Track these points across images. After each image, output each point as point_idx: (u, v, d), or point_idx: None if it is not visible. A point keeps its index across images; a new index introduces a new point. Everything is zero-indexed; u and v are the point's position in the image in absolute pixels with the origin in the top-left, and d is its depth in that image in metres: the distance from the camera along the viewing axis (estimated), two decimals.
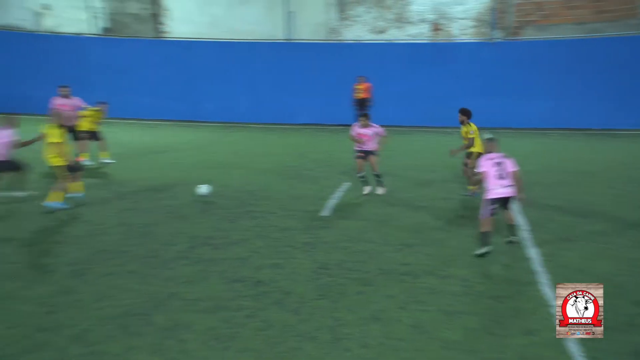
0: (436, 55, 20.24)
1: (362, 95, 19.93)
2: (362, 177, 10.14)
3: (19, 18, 21.80)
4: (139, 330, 4.96)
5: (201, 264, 6.65)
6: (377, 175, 10.12)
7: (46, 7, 21.63)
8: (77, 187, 9.25)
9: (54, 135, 8.64)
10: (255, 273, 6.37)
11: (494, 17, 20.21)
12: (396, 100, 19.87)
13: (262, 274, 6.35)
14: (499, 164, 7.23)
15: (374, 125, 10.12)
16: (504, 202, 7.20)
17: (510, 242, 7.37)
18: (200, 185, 9.63)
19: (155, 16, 21.98)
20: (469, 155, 9.67)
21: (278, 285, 6.03)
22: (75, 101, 12.49)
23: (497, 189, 7.11)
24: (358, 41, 21.17)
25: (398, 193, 10.20)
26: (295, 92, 20.95)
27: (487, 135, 7.79)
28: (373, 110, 20.40)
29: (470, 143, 9.59)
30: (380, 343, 4.88)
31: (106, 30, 22.10)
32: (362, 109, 20.22)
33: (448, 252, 7.19)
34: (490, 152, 7.45)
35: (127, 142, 15.04)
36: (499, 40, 20.19)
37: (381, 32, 21.31)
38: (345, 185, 10.52)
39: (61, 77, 20.71)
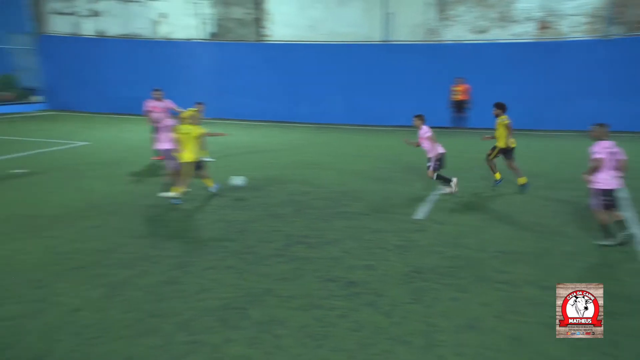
0: (543, 55, 19.25)
1: (459, 97, 19.38)
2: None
3: (140, 27, 23.62)
4: (237, 324, 5.17)
5: (296, 262, 6.80)
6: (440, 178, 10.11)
7: (163, 15, 23.23)
8: (209, 182, 10.06)
9: (193, 133, 9.32)
10: (347, 273, 6.41)
11: (612, 12, 18.80)
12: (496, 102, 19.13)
13: (355, 274, 6.38)
14: (612, 153, 6.77)
15: (423, 128, 10.06)
16: (613, 194, 6.74)
17: (620, 242, 6.87)
18: (235, 177, 10.14)
19: (258, 20, 22.79)
20: (493, 148, 10.44)
21: (370, 287, 6.03)
22: (167, 103, 13.29)
23: (609, 179, 6.66)
24: (457, 42, 20.61)
25: (496, 198, 9.82)
26: (391, 93, 20.83)
27: (597, 123, 7.23)
28: (471, 112, 19.74)
29: (510, 131, 10.22)
30: (476, 353, 4.73)
31: (212, 35, 23.28)
32: (460, 111, 19.68)
33: (551, 261, 6.81)
34: (601, 139, 6.97)
35: (227, 141, 15.72)
36: (617, 36, 18.74)
37: (482, 31, 20.60)
38: (442, 189, 10.29)
39: (172, 79, 22.28)
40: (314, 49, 21.37)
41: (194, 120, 9.60)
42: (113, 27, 24.06)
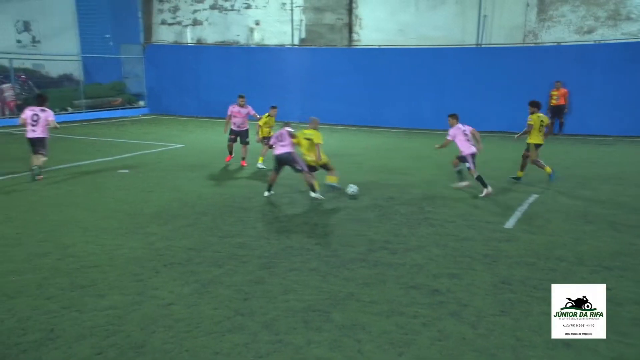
0: None
1: (558, 101, 18.40)
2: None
3: (236, 34, 24.69)
4: (319, 326, 5.22)
5: (378, 267, 6.76)
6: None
7: (257, 22, 24.12)
8: (333, 179, 10.55)
9: (317, 137, 10.12)
10: (431, 281, 6.28)
11: None
12: (599, 107, 17.96)
13: (439, 282, 6.23)
14: None
15: (454, 127, 10.64)
16: None
17: None
18: (351, 185, 10.22)
19: (348, 26, 22.98)
20: (528, 146, 11.18)
21: (455, 296, 5.86)
22: (249, 110, 13.71)
23: None
24: (559, 43, 19.52)
25: (595, 208, 9.19)
26: (483, 98, 20.18)
27: None
28: (571, 117, 18.67)
29: (528, 129, 11.08)
30: None
31: (303, 40, 23.77)
32: (558, 116, 18.64)
33: None
34: None
35: None
36: None
37: (588, 32, 19.34)
38: (533, 197, 9.81)
39: (263, 84, 23.05)
40: (403, 53, 21.20)
41: (315, 125, 10.34)
42: (212, 35, 25.28)
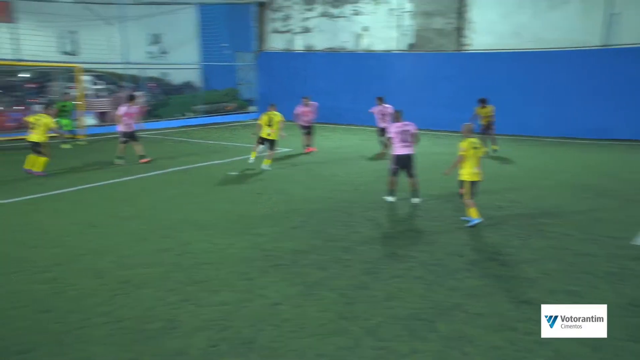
0: None
1: None
2: None
3: (344, 40, 25.06)
4: (424, 335, 5.13)
5: (486, 278, 6.50)
6: None
7: (365, 29, 24.31)
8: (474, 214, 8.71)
9: (467, 148, 8.56)
10: (546, 297, 5.91)
11: None
12: None
13: (555, 299, 5.85)
14: None
15: None
16: None
17: None
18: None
19: (459, 30, 22.37)
20: None
21: None
22: (313, 107, 16.37)
23: None
24: None
25: None
26: (608, 103, 18.65)
27: None
28: None
29: None
30: None
31: (411, 46, 23.54)
32: None
33: None
34: None
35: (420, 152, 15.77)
36: None
37: None
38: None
39: (370, 89, 23.13)
40: (514, 56, 20.20)
41: (469, 134, 8.77)
42: (320, 41, 25.82)
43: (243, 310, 5.64)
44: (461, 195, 8.83)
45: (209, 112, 24.88)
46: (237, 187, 11.52)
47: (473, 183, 8.64)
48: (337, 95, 24.34)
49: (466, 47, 22.32)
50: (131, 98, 14.40)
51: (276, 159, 15.19)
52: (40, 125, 11.89)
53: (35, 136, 11.93)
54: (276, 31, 27.11)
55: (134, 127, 14.13)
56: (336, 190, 11.28)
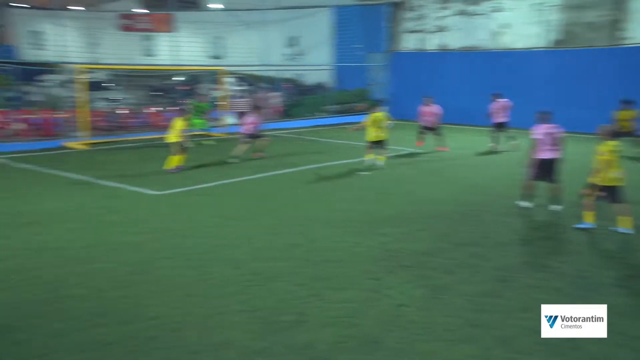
0: None
1: None
2: None
3: (480, 38, 24.19)
4: (564, 352, 4.78)
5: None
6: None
7: (504, 26, 23.23)
8: (625, 223, 8.10)
9: (606, 150, 8.05)
10: None
11: None
12: None
13: None
14: None
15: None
16: None
17: None
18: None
19: (615, 22, 20.41)
20: None
21: None
22: (434, 108, 16.60)
23: None
24: None
25: None
26: None
27: None
28: None
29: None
30: None
31: (556, 42, 22.02)
32: None
33: None
34: None
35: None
36: None
37: None
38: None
39: (507, 89, 22.01)
40: None
41: (609, 137, 8.13)
42: (455, 40, 25.13)
43: (369, 309, 5.70)
44: (584, 196, 8.33)
45: (339, 112, 25.40)
46: (364, 186, 11.63)
47: (608, 188, 8.02)
48: (470, 95, 23.54)
49: (624, 41, 20.28)
50: (256, 107, 16.01)
51: (405, 160, 15.09)
52: (175, 127, 12.93)
53: (170, 137, 13.01)
54: (409, 31, 26.87)
55: (258, 129, 15.16)
56: (465, 193, 10.93)
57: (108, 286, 6.18)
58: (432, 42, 25.95)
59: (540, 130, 9.43)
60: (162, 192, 10.77)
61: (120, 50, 35.23)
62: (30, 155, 14.83)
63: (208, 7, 34.58)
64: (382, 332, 5.21)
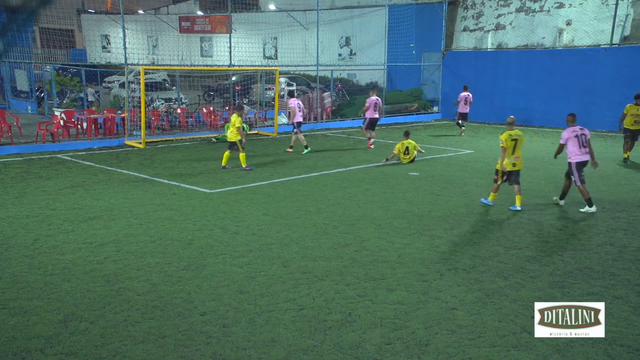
0: None
1: None
2: None
3: (542, 36, 23.41)
4: None
5: None
6: None
7: (568, 22, 22.38)
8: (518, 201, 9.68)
9: (504, 139, 9.45)
10: None
11: None
12: None
13: None
14: None
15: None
16: None
17: None
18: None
19: None
20: None
21: None
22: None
23: None
24: None
25: None
26: None
27: None
28: None
29: None
30: None
31: (626, 38, 21.01)
32: None
33: None
34: None
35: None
36: None
37: None
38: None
39: (569, 89, 21.25)
40: None
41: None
42: (514, 39, 24.41)
43: (418, 311, 5.62)
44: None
45: (391, 113, 25.18)
46: (416, 187, 11.48)
47: (509, 171, 9.53)
48: (529, 95, 22.83)
49: None
50: (290, 94, 16.79)
51: (459, 160, 14.79)
52: (232, 125, 13.14)
53: (230, 137, 13.21)
54: (466, 30, 26.31)
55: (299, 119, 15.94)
56: (522, 196, 10.57)
57: (162, 281, 6.38)
58: (490, 41, 25.33)
59: (568, 134, 9.64)
60: (215, 190, 11.02)
61: (179, 52, 36.40)
62: (92, 153, 15.52)
63: (264, 8, 35.20)
64: (431, 335, 5.13)
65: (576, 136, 9.54)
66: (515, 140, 9.44)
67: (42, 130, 16.19)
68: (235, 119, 13.11)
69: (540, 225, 8.69)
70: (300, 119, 16.12)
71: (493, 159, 14.89)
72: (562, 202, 9.95)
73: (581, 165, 9.51)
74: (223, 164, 13.36)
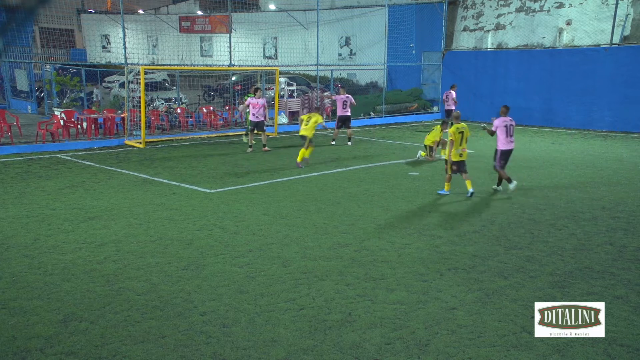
0: None
1: None
2: None
3: (541, 36, 23.39)
4: None
5: None
6: None
7: (568, 22, 22.37)
8: (469, 185, 10.58)
9: (452, 132, 10.29)
10: None
11: None
12: None
13: None
14: None
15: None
16: None
17: None
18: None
19: None
20: None
21: None
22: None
23: None
24: None
25: None
26: None
27: None
28: None
29: None
30: None
31: (626, 38, 21.01)
32: None
33: None
34: None
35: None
36: None
37: None
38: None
39: (569, 89, 21.23)
40: None
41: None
42: (514, 39, 24.39)
43: (418, 311, 5.62)
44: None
45: (391, 112, 25.18)
46: (416, 187, 11.48)
47: (457, 162, 10.46)
48: (528, 95, 22.82)
49: None
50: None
51: None
52: (311, 122, 13.66)
53: (304, 131, 13.63)
54: (466, 29, 26.30)
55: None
56: (522, 196, 10.59)
57: (162, 280, 6.38)
58: (490, 41, 25.31)
59: (499, 123, 10.73)
60: (215, 190, 11.01)
61: (179, 51, 36.40)
62: (92, 153, 15.52)
63: (264, 8, 35.21)
64: (431, 335, 5.13)
65: (505, 126, 10.69)
66: (462, 132, 10.38)
67: (42, 130, 16.19)
68: (317, 116, 13.81)
69: (540, 225, 8.69)
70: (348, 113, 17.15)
71: (491, 159, 14.88)
72: (499, 188, 11.01)
73: (506, 153, 10.74)
74: (305, 157, 13.84)
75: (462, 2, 26.29)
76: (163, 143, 17.44)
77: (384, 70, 25.93)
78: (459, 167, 10.51)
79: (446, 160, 10.63)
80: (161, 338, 5.02)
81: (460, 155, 10.42)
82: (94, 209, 9.46)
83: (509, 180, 10.64)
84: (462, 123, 10.56)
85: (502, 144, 10.72)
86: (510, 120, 10.82)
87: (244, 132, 17.92)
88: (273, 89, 21.38)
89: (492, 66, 24.24)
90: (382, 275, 6.58)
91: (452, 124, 10.59)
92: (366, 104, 25.16)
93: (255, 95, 15.82)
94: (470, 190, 10.51)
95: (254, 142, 16.37)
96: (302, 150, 13.63)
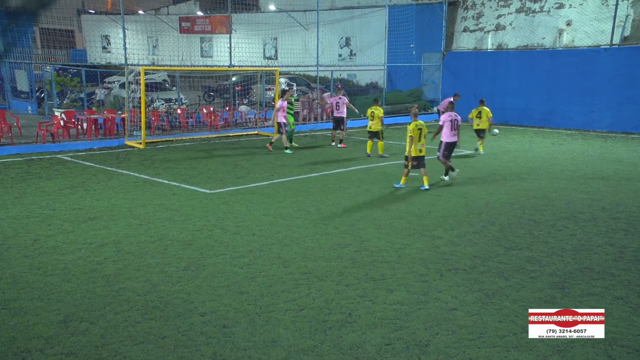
0: None
1: None
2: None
3: (542, 37, 23.39)
4: None
5: None
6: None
7: (568, 23, 22.36)
8: (425, 182, 11.26)
9: (412, 128, 11.01)
10: None
11: None
12: None
13: None
14: None
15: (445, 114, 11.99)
16: None
17: None
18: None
19: None
20: None
21: None
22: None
23: None
24: None
25: None
26: None
27: None
28: None
29: None
30: None
31: (626, 39, 21.01)
32: None
33: None
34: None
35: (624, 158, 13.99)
36: None
37: None
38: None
39: (569, 89, 21.23)
40: None
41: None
42: (514, 39, 24.41)
43: (418, 312, 5.62)
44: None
45: (391, 113, 25.17)
46: (416, 187, 11.47)
47: (416, 157, 11.09)
48: (529, 95, 22.84)
49: None
50: (283, 93, 16.57)
51: (459, 161, 14.78)
52: (376, 116, 14.72)
53: (374, 126, 14.86)
54: (466, 30, 26.32)
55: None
56: (522, 197, 10.60)
57: (162, 281, 6.37)
58: (490, 42, 25.32)
59: (445, 117, 11.77)
60: (215, 191, 11.01)
61: (179, 52, 36.40)
62: (93, 153, 15.52)
63: (264, 8, 35.22)
64: (431, 335, 5.13)
65: (451, 120, 11.77)
66: (420, 129, 10.99)
67: (42, 130, 16.19)
68: (379, 110, 14.85)
69: (540, 226, 8.69)
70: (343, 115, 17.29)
71: (493, 159, 14.92)
72: (446, 178, 11.97)
73: (450, 145, 11.88)
74: (368, 151, 15.07)
75: (462, 3, 26.30)
76: (163, 144, 17.44)
77: (384, 71, 25.93)
78: (419, 162, 11.16)
79: (406, 157, 11.22)
80: (161, 338, 5.02)
81: (420, 150, 11.08)
82: (94, 210, 9.46)
83: (452, 169, 11.86)
84: (420, 120, 11.24)
85: (447, 136, 11.81)
86: (456, 115, 11.85)
87: (284, 145, 16.26)
88: (273, 89, 21.38)
89: (492, 67, 24.26)
90: (382, 276, 6.58)
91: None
92: (366, 105, 25.15)
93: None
94: (426, 186, 11.16)
95: (295, 144, 17.01)
96: (381, 143, 15.04)
